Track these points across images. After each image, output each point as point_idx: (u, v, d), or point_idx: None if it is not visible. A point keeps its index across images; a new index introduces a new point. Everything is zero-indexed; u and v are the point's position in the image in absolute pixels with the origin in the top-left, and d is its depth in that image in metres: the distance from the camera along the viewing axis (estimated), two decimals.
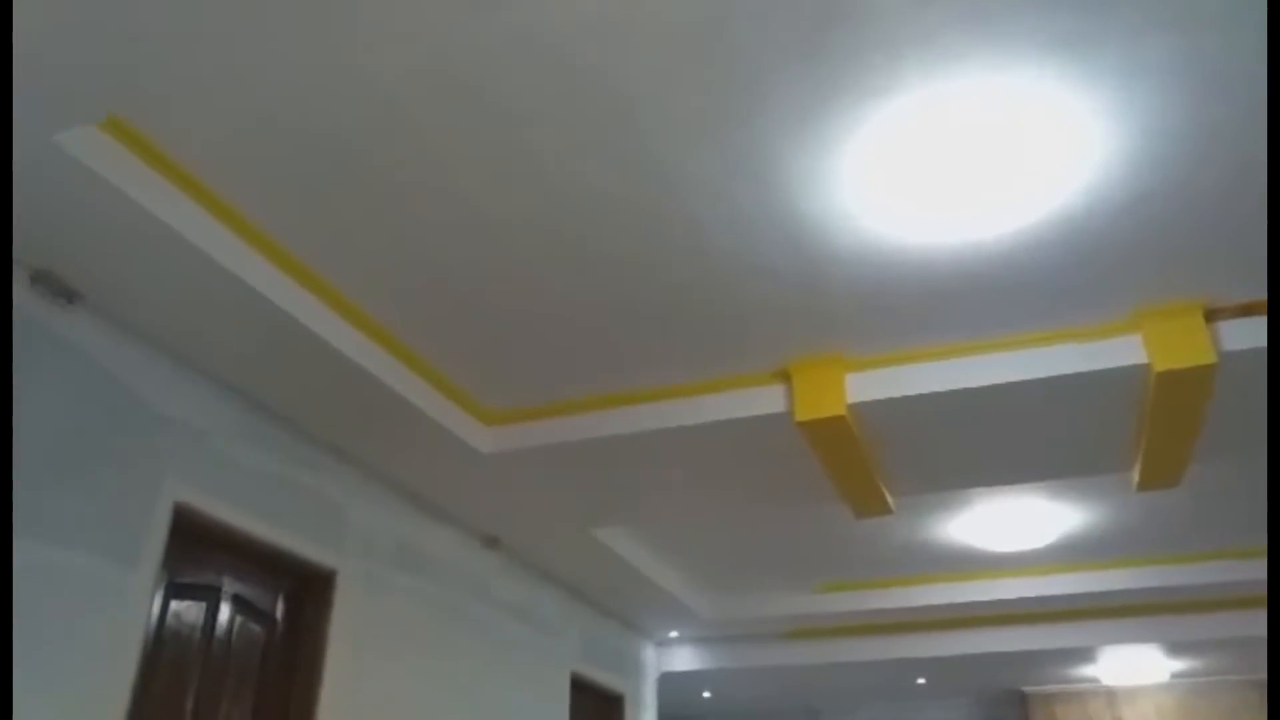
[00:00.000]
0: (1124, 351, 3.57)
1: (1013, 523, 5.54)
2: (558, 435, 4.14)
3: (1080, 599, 6.52)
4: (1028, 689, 8.81)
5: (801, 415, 3.83)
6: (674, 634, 7.47)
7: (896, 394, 3.78)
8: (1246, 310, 3.45)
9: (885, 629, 7.22)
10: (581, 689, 6.35)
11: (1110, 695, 8.62)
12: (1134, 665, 7.80)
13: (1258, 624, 6.64)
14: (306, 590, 3.99)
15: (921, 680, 8.35)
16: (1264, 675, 8.19)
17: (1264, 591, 6.36)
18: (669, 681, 7.86)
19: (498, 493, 4.70)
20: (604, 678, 6.65)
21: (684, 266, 3.24)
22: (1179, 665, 7.87)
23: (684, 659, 7.65)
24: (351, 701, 4.03)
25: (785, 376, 3.90)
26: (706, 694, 8.70)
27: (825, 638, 7.37)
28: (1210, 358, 3.42)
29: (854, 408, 3.83)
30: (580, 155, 2.71)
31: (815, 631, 7.34)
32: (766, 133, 2.62)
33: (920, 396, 3.76)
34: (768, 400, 3.94)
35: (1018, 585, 6.45)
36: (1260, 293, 3.39)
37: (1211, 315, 3.48)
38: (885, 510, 4.76)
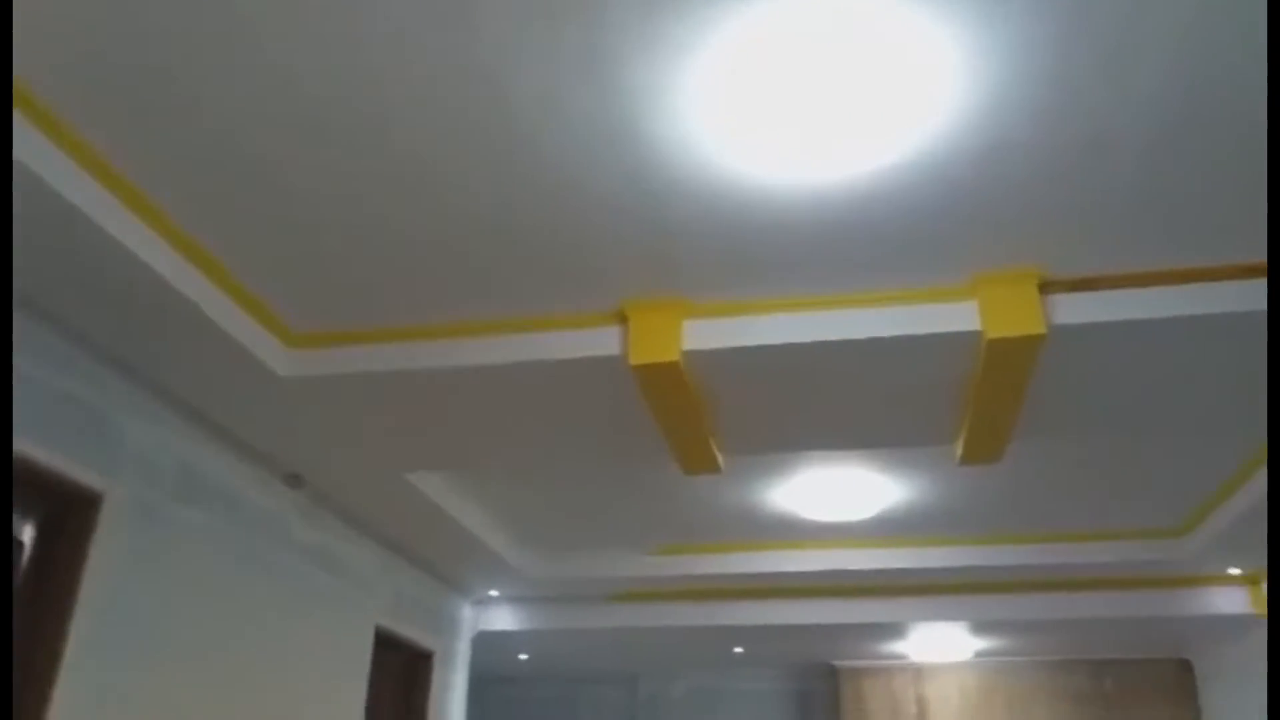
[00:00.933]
0: (959, 317, 3.53)
1: (838, 493, 5.55)
2: (367, 363, 3.80)
3: (895, 575, 6.65)
4: (838, 663, 9.02)
5: (636, 359, 3.64)
6: (494, 593, 7.21)
7: (732, 344, 3.63)
8: (1078, 285, 3.46)
9: (709, 595, 7.18)
10: (388, 645, 6.02)
11: (916, 672, 8.92)
12: (941, 643, 8.07)
13: (1059, 606, 6.94)
14: (65, 515, 3.51)
15: (739, 649, 8.41)
16: (1060, 656, 8.63)
17: (1070, 575, 6.65)
18: (485, 641, 7.61)
19: (301, 424, 4.31)
20: (413, 634, 6.33)
21: (515, 188, 2.97)
22: (982, 644, 8.20)
23: (502, 619, 7.41)
24: (110, 649, 3.59)
25: (622, 318, 3.70)
26: (523, 656, 8.50)
27: (649, 602, 7.27)
28: (1040, 328, 3.42)
29: (689, 355, 3.66)
30: (402, 48, 2.39)
31: (640, 595, 7.24)
32: (605, 26, 2.37)
33: (756, 349, 3.63)
34: (602, 341, 3.73)
35: (837, 557, 6.51)
36: (1095, 268, 3.40)
37: (1045, 287, 3.48)
38: (714, 468, 4.64)
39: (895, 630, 7.65)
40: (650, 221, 3.16)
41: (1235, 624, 6.80)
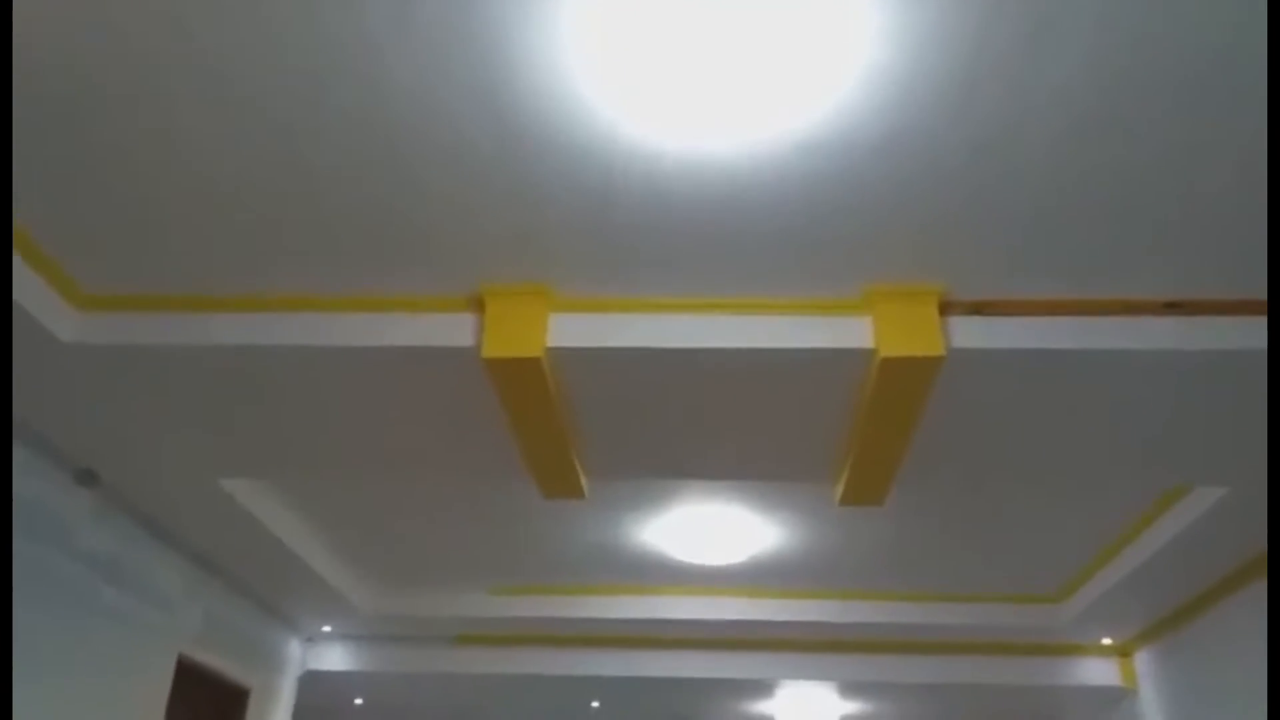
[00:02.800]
0: (851, 332, 3.19)
1: (710, 532, 5.13)
2: (170, 333, 3.22)
3: (766, 628, 6.26)
4: None
5: (490, 350, 3.16)
6: (327, 628, 6.50)
7: (603, 344, 3.21)
8: (981, 308, 3.17)
9: (565, 642, 6.64)
10: (193, 677, 5.26)
11: None
12: (808, 704, 7.70)
13: (930, 670, 6.65)
14: None
15: (596, 703, 7.85)
16: None
17: (943, 637, 6.37)
18: (315, 682, 6.85)
19: (93, 407, 3.66)
20: (225, 666, 5.58)
21: (363, 146, 2.55)
22: (849, 708, 7.86)
23: (336, 657, 6.68)
24: None
25: (479, 304, 3.23)
26: (359, 700, 7.74)
27: (500, 646, 6.67)
28: (938, 350, 3.11)
29: (554, 352, 3.21)
30: None
31: (490, 639, 6.63)
32: None
33: (630, 351, 3.21)
34: (454, 329, 3.25)
35: (705, 606, 6.09)
36: (995, 292, 3.11)
37: (945, 307, 3.17)
38: (577, 493, 4.17)
39: (763, 688, 7.24)
40: (518, 198, 2.73)
41: (1105, 695, 6.64)
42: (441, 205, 2.77)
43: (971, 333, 3.18)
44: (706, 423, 3.67)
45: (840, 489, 4.05)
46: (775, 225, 2.83)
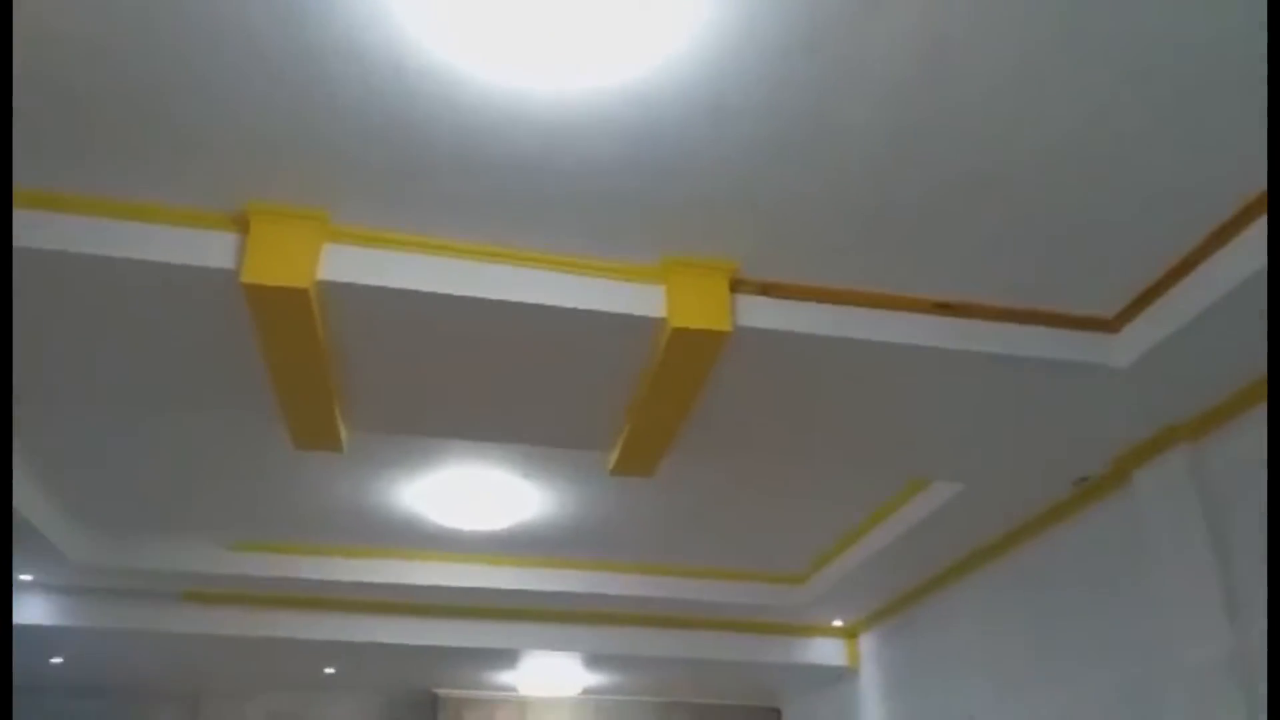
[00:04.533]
0: (645, 299, 3.13)
1: (475, 496, 4.95)
2: None
3: (514, 596, 6.13)
4: (441, 691, 8.34)
5: (251, 275, 2.84)
6: (27, 576, 5.75)
7: (383, 282, 2.97)
8: (766, 289, 3.20)
9: (301, 604, 6.20)
10: None
11: (521, 706, 8.47)
12: (551, 676, 7.68)
13: (674, 644, 6.79)
14: None
15: (331, 670, 7.46)
16: (667, 698, 8.56)
17: (689, 612, 6.51)
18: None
19: None
20: None
21: (117, 30, 2.19)
22: (593, 680, 7.92)
23: (32, 609, 5.91)
24: None
25: (243, 223, 2.89)
26: (57, 660, 6.92)
27: (226, 605, 6.14)
28: (726, 325, 3.11)
29: (325, 286, 2.93)
30: None
31: (215, 597, 6.09)
32: None
33: (413, 294, 2.99)
34: (210, 248, 2.89)
35: (456, 572, 5.88)
36: (785, 275, 3.15)
37: (736, 285, 3.18)
38: (334, 445, 3.87)
39: (507, 658, 7.13)
40: (300, 107, 2.45)
41: (830, 675, 7.05)
42: (208, 101, 2.44)
43: (757, 312, 3.20)
44: (485, 380, 3.50)
45: (614, 458, 4.00)
46: (583, 178, 2.72)
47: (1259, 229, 2.82)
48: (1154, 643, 3.90)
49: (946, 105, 2.47)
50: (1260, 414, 3.49)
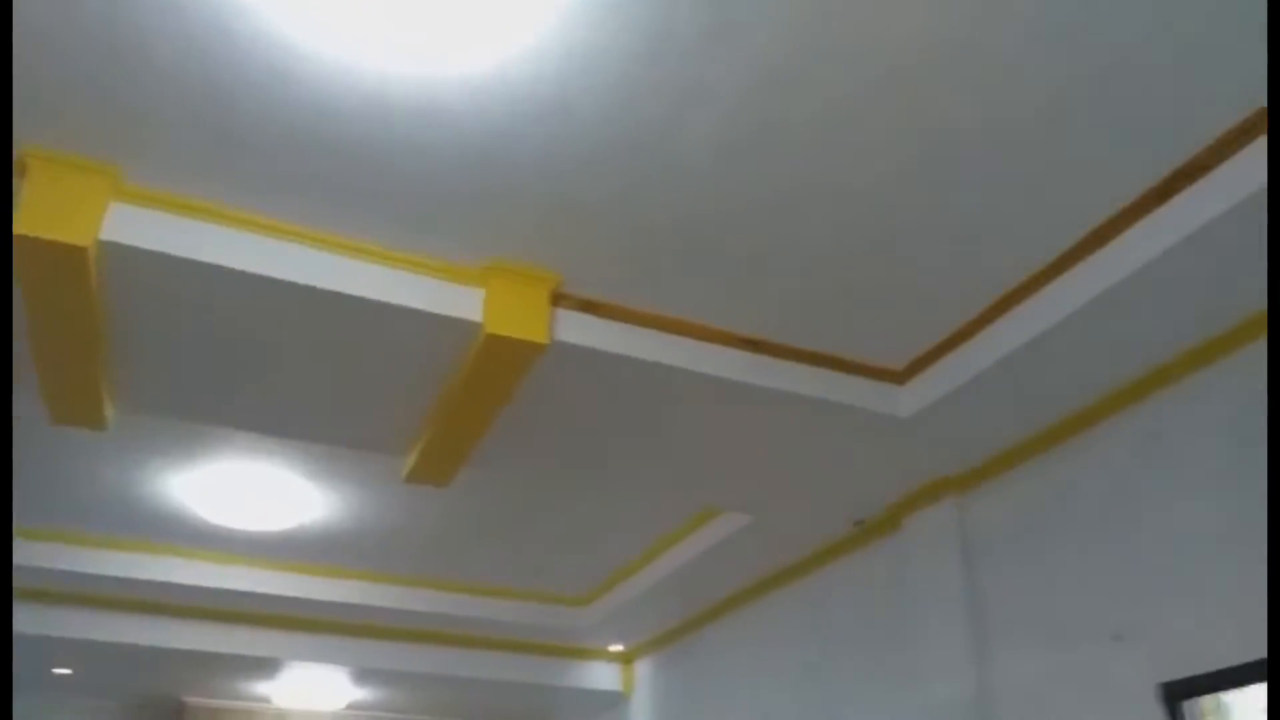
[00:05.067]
0: (462, 301, 3.05)
1: (253, 494, 4.64)
2: None
3: (279, 603, 5.78)
4: (190, 699, 7.75)
5: (23, 227, 2.55)
6: None
7: (174, 251, 2.74)
8: (588, 306, 3.19)
9: (30, 596, 5.58)
10: None
11: (281, 717, 8.00)
12: (314, 688, 7.29)
13: (451, 662, 6.60)
14: None
15: (64, 670, 6.76)
16: (434, 717, 8.29)
17: (468, 630, 6.36)
18: None
19: None
20: None
21: None
22: (360, 694, 7.57)
23: None
24: None
25: (21, 168, 2.60)
26: None
27: None
28: (543, 337, 3.07)
29: (108, 247, 2.67)
30: None
31: None
32: None
33: (206, 267, 2.78)
34: None
35: (221, 574, 5.49)
36: (608, 294, 3.15)
37: (557, 299, 3.15)
38: (97, 422, 3.53)
39: (266, 667, 6.70)
40: (99, 49, 2.23)
41: (604, 700, 7.06)
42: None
43: (576, 328, 3.18)
44: (277, 370, 3.30)
45: (409, 464, 3.85)
46: (409, 169, 2.62)
47: (1039, 300, 3.08)
48: (911, 679, 4.15)
49: (770, 147, 2.54)
50: (1019, 475, 3.80)
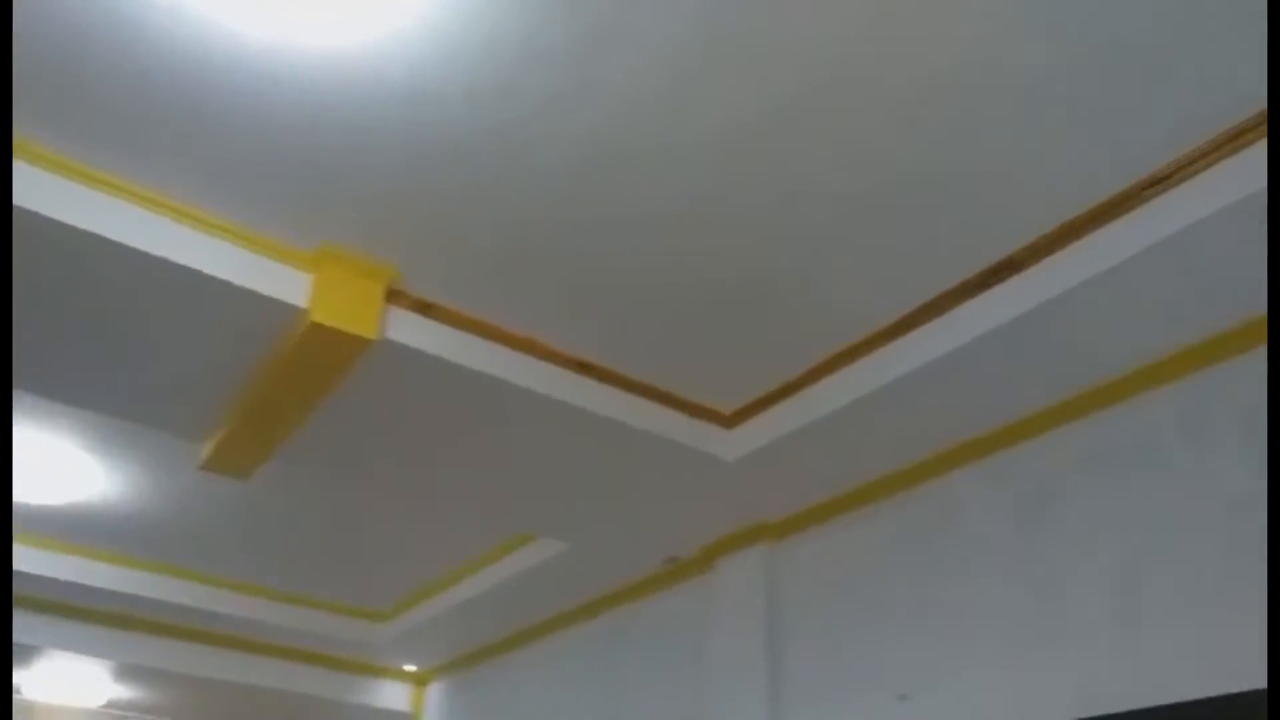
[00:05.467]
0: (289, 283, 2.87)
1: (22, 462, 4.21)
2: None
3: (38, 583, 5.25)
4: None
5: None
6: None
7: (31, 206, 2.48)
8: (423, 308, 3.07)
9: None
10: None
11: (29, 710, 7.28)
12: (72, 681, 6.67)
13: (232, 667, 6.14)
14: None
15: None
16: None
17: (255, 635, 5.96)
18: None
19: None
20: None
21: None
22: (122, 693, 6.97)
23: None
24: None
25: None
26: None
27: None
28: (371, 332, 2.93)
29: None
30: None
31: None
32: None
33: (41, 218, 2.51)
34: None
35: None
36: (446, 298, 3.04)
37: (392, 296, 3.01)
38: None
39: (20, 654, 6.07)
40: None
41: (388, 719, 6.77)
42: None
43: (409, 328, 3.05)
44: (77, 328, 3.00)
45: (208, 451, 3.58)
46: (253, 136, 2.45)
47: (870, 362, 3.17)
48: None
49: (633, 169, 2.51)
50: (830, 530, 3.88)
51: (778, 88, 2.26)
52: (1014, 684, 3.04)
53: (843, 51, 2.17)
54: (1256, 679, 2.24)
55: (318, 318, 2.84)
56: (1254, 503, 2.50)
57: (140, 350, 3.10)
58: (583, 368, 3.33)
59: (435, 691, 6.58)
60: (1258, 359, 2.63)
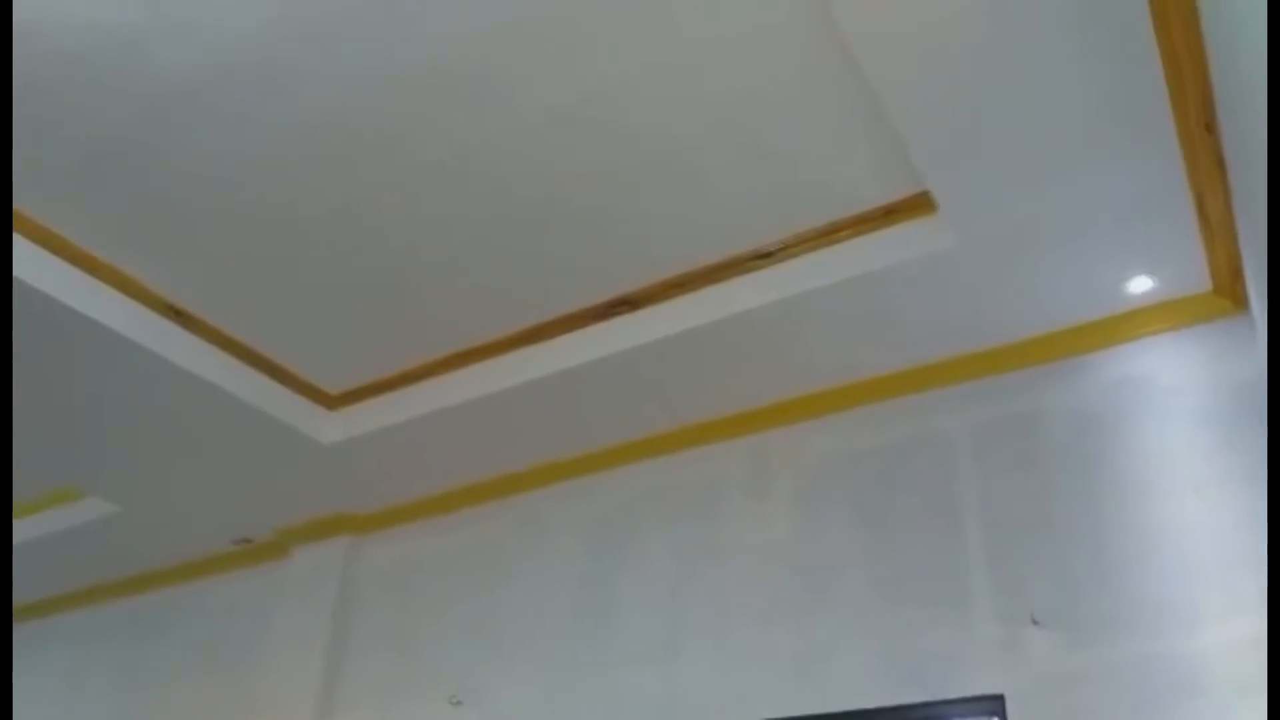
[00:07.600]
0: None
1: None
2: None
3: None
4: None
5: None
6: None
7: None
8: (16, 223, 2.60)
9: None
10: None
11: None
12: None
13: None
14: None
15: None
16: None
17: None
18: None
19: None
20: None
21: None
22: None
23: None
24: None
25: None
26: None
27: None
28: None
29: None
30: None
31: None
32: None
33: None
34: None
35: None
36: (40, 216, 2.61)
37: None
38: None
39: None
40: None
41: None
42: None
43: None
44: None
45: None
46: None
47: (483, 369, 3.15)
48: (248, 711, 3.82)
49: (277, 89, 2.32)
50: (411, 532, 3.79)
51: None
52: (561, 703, 3.12)
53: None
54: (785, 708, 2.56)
55: None
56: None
57: None
58: (176, 313, 3.00)
59: None
60: (819, 424, 3.01)
